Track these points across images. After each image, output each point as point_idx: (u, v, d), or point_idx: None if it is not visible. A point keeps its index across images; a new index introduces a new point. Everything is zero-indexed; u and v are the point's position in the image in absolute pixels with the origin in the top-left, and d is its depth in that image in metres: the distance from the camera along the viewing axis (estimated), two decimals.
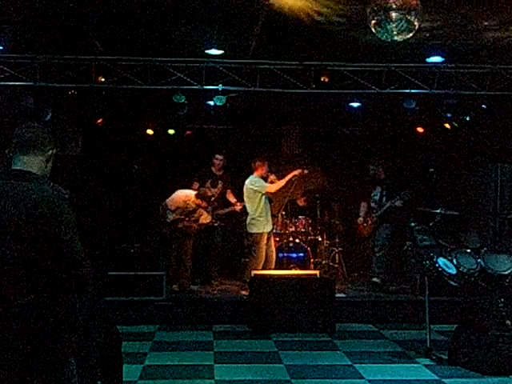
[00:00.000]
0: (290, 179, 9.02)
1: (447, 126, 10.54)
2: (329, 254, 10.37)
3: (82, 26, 7.10)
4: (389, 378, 6.09)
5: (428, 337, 6.75)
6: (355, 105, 10.25)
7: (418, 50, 7.90)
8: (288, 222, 10.03)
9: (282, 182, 8.98)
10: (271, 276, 8.43)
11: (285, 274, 8.66)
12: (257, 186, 8.95)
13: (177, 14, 6.77)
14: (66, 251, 2.61)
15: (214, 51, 8.25)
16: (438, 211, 7.41)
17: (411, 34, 5.26)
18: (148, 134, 11.37)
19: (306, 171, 9.06)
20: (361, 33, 7.07)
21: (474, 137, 10.23)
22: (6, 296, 2.55)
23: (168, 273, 8.73)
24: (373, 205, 9.66)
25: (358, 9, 6.18)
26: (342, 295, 8.74)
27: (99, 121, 10.71)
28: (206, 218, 9.13)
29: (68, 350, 2.67)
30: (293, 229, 10.06)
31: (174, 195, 9.08)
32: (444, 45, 7.76)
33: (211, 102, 9.42)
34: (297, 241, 9.90)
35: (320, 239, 10.37)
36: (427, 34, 7.10)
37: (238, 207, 9.53)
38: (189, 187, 9.39)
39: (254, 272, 8.40)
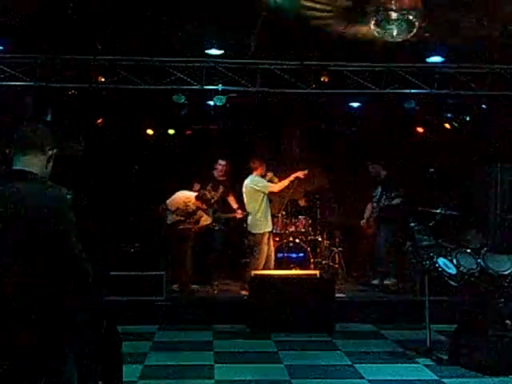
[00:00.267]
0: (293, 180, 9.03)
1: (447, 125, 10.53)
2: (329, 253, 10.37)
3: (82, 26, 7.10)
4: (389, 378, 6.09)
5: (428, 337, 6.75)
6: (355, 105, 10.24)
7: (418, 50, 7.89)
8: (288, 222, 10.03)
9: (286, 183, 9.00)
10: (271, 276, 8.43)
11: (285, 274, 8.66)
12: (260, 185, 8.96)
13: (177, 14, 6.77)
14: (65, 251, 2.61)
15: (213, 51, 8.25)
16: (438, 211, 7.41)
17: (411, 34, 5.27)
18: (148, 134, 11.36)
19: (306, 171, 9.06)
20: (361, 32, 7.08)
21: (474, 137, 10.22)
22: (6, 296, 2.55)
23: (168, 273, 8.73)
24: (374, 205, 9.67)
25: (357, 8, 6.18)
26: (342, 295, 8.74)
27: (99, 121, 10.70)
28: (206, 220, 9.13)
29: (68, 350, 2.67)
30: (293, 229, 10.06)
31: (174, 196, 9.07)
32: (444, 45, 7.76)
33: (211, 102, 9.41)
34: (297, 241, 9.91)
35: (320, 239, 10.37)
36: (427, 34, 7.10)
37: (239, 215, 9.52)
38: (189, 188, 9.38)
39: (253, 272, 8.40)
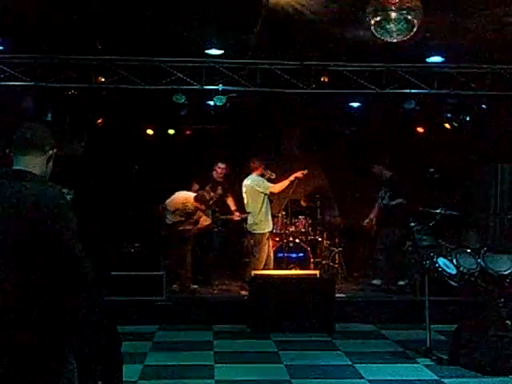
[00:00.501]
0: (292, 180, 9.04)
1: (447, 125, 10.54)
2: (329, 253, 10.37)
3: (82, 26, 7.10)
4: (389, 378, 6.09)
5: (428, 337, 6.74)
6: (355, 105, 10.25)
7: (418, 50, 7.89)
8: (288, 222, 10.03)
9: (286, 183, 9.01)
10: (271, 276, 8.43)
11: (285, 274, 8.66)
12: (261, 186, 8.97)
13: (177, 14, 6.77)
14: (65, 251, 2.61)
15: (213, 51, 8.25)
16: (438, 211, 7.41)
17: (411, 34, 5.27)
18: (148, 134, 11.36)
19: (305, 171, 9.06)
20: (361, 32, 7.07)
21: (474, 137, 10.23)
22: (7, 296, 2.55)
23: (168, 273, 8.73)
24: (379, 204, 9.66)
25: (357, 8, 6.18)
26: (342, 295, 8.74)
27: (99, 121, 10.70)
28: (205, 221, 9.13)
29: (68, 350, 2.67)
30: (293, 229, 10.06)
31: (173, 196, 9.07)
32: (444, 45, 7.76)
33: (211, 102, 9.42)
34: (297, 241, 9.90)
35: (320, 239, 10.37)
36: (427, 34, 7.10)
37: (237, 217, 9.52)
38: (188, 188, 9.38)
39: (253, 272, 8.40)
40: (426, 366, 6.45)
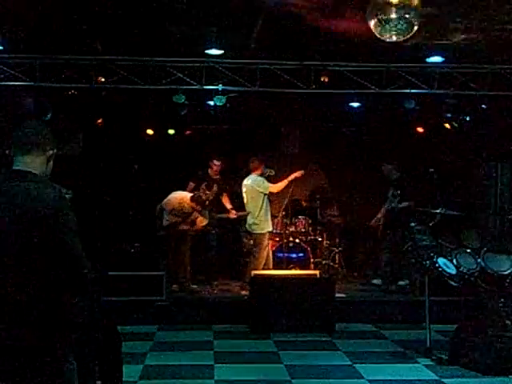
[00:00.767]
0: (291, 181, 9.04)
1: (447, 125, 10.53)
2: (329, 253, 10.37)
3: (82, 26, 7.09)
4: (389, 378, 6.09)
5: (428, 337, 6.75)
6: (355, 105, 10.24)
7: (418, 50, 7.89)
8: (288, 222, 10.04)
9: (285, 183, 9.03)
10: (271, 276, 8.44)
11: (285, 274, 8.66)
12: (261, 186, 8.99)
13: (177, 14, 6.77)
14: (66, 251, 2.61)
15: (214, 51, 8.25)
16: (438, 211, 7.41)
17: (411, 34, 5.27)
18: (148, 134, 11.36)
19: (302, 171, 9.08)
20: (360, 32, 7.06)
21: (474, 137, 10.22)
22: (6, 296, 2.55)
23: (167, 273, 8.73)
24: (387, 206, 9.66)
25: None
26: (342, 295, 8.74)
27: (99, 121, 10.70)
28: (202, 221, 9.14)
29: (68, 350, 2.67)
30: (293, 229, 10.06)
31: (169, 196, 9.09)
32: (444, 45, 7.76)
33: (211, 102, 9.41)
34: (297, 241, 9.90)
35: (320, 239, 10.36)
36: (427, 34, 7.10)
37: (233, 215, 9.53)
38: (184, 187, 9.39)
39: (253, 272, 8.40)
40: (426, 366, 6.46)
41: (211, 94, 9.05)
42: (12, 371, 2.55)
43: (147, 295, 8.26)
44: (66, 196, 2.73)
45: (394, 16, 5.05)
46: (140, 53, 8.22)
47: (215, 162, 9.60)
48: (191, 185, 9.50)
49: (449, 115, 10.19)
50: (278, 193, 9.38)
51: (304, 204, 10.74)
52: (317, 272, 8.71)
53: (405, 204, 9.23)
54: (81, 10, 6.53)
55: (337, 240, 10.52)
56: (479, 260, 6.58)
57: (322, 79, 8.62)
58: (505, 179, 9.09)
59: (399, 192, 9.34)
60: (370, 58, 8.30)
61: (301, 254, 9.79)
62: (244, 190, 9.20)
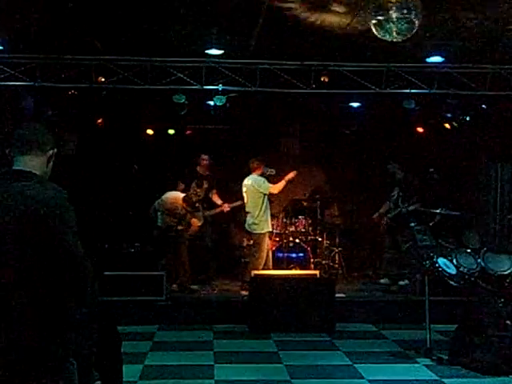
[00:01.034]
0: (288, 181, 9.07)
1: (447, 125, 10.53)
2: (329, 253, 10.37)
3: (82, 26, 7.09)
4: (389, 378, 6.09)
5: (428, 337, 6.74)
6: (355, 105, 10.24)
7: (418, 50, 7.89)
8: (288, 222, 10.04)
9: (283, 184, 9.05)
10: (271, 276, 8.43)
11: (285, 274, 8.66)
12: (261, 186, 9.00)
13: (177, 14, 6.77)
14: (66, 251, 2.61)
15: (214, 51, 8.25)
16: (438, 211, 7.41)
17: (411, 34, 5.27)
18: (148, 134, 11.36)
19: (295, 172, 9.12)
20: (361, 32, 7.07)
21: (474, 137, 10.23)
22: (6, 296, 2.55)
23: (167, 273, 8.73)
24: (390, 205, 9.66)
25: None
26: (342, 295, 8.74)
27: (99, 121, 10.70)
28: (197, 222, 9.14)
29: (68, 350, 2.67)
30: (293, 229, 10.06)
31: (163, 197, 9.12)
32: (444, 45, 7.76)
33: (211, 102, 9.42)
34: (297, 241, 9.91)
35: (320, 239, 10.36)
36: (427, 34, 7.10)
37: (226, 208, 9.57)
38: (175, 188, 9.41)
39: (254, 272, 8.40)
40: (426, 366, 6.45)
41: (211, 94, 9.05)
42: (12, 371, 2.55)
43: (147, 295, 8.26)
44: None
45: (394, 16, 5.05)
46: (140, 53, 8.22)
47: (203, 156, 9.65)
48: (181, 185, 9.51)
49: (449, 115, 10.20)
50: (277, 193, 9.39)
51: (304, 204, 10.75)
52: (317, 272, 8.71)
53: (413, 207, 9.24)
54: (81, 10, 6.52)
55: (337, 240, 10.52)
56: (479, 260, 6.58)
57: (322, 79, 8.61)
58: (505, 179, 9.09)
59: (403, 195, 9.36)
60: (370, 58, 8.30)
61: (301, 254, 9.79)
62: (244, 189, 9.21)
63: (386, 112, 10.41)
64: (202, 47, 8.08)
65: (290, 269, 9.44)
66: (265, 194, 9.03)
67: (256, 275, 8.28)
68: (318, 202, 10.54)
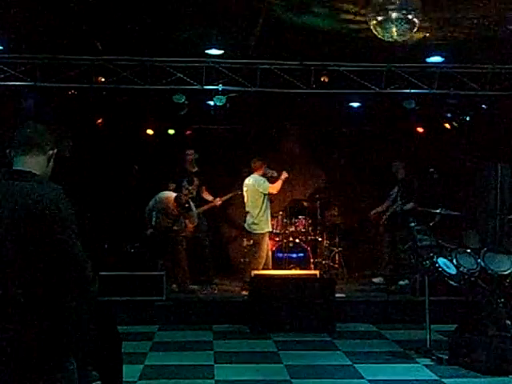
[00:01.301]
0: (284, 180, 9.11)
1: (447, 125, 10.53)
2: (329, 253, 10.37)
3: (82, 26, 7.09)
4: (389, 378, 6.09)
5: (428, 337, 6.74)
6: (355, 105, 10.24)
7: (418, 50, 7.89)
8: (288, 222, 10.04)
9: (280, 183, 9.10)
10: (271, 276, 8.44)
11: (285, 274, 8.67)
12: (262, 186, 9.01)
13: (177, 14, 6.77)
14: (66, 251, 2.61)
15: (214, 51, 8.25)
16: (438, 211, 7.41)
17: (411, 34, 5.27)
18: (148, 134, 11.36)
19: (286, 174, 9.15)
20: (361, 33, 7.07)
21: (474, 137, 10.22)
22: (7, 296, 2.55)
23: (166, 273, 8.73)
24: (389, 204, 9.68)
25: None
26: (342, 295, 8.74)
27: (99, 121, 10.69)
28: (192, 222, 9.14)
29: (68, 349, 2.67)
30: (293, 229, 10.06)
31: (155, 197, 9.13)
32: (444, 45, 7.76)
33: (211, 102, 9.42)
34: (297, 241, 9.91)
35: (320, 239, 10.36)
36: (427, 34, 7.10)
37: (218, 202, 9.62)
38: (166, 188, 9.43)
39: (254, 272, 8.41)
40: (426, 366, 6.45)
41: (211, 94, 9.05)
42: (12, 371, 2.55)
43: (147, 295, 8.26)
44: None
45: (394, 16, 5.05)
46: (140, 53, 8.22)
47: (188, 151, 9.69)
48: (172, 185, 9.53)
49: (449, 115, 10.20)
50: (277, 193, 9.39)
51: (304, 204, 10.75)
52: (317, 272, 8.71)
53: (409, 206, 9.26)
54: (81, 10, 6.52)
55: (337, 240, 10.52)
56: (479, 260, 6.58)
57: (322, 79, 8.62)
58: (505, 179, 9.08)
59: (403, 194, 9.38)
60: (370, 58, 8.30)
61: (301, 254, 9.79)
62: (245, 189, 9.22)
63: (386, 112, 10.41)
64: (202, 47, 8.08)
65: (290, 269, 9.44)
66: (265, 194, 9.04)
67: (256, 275, 8.28)
68: (318, 202, 10.54)
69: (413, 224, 7.19)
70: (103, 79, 8.61)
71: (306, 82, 8.60)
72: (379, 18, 5.08)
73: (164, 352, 6.99)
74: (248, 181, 9.18)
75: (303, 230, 10.14)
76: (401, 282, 9.32)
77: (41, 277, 2.57)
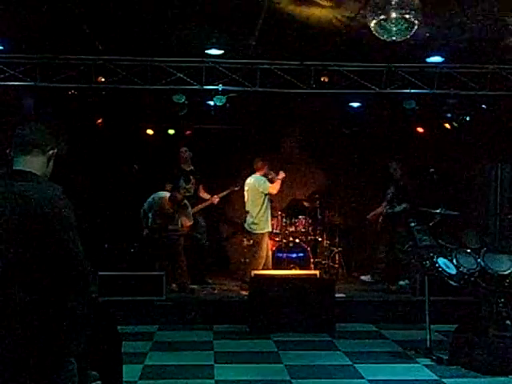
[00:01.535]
0: (282, 180, 9.15)
1: (447, 125, 10.53)
2: (329, 254, 10.37)
3: (82, 26, 7.09)
4: (389, 378, 6.09)
5: (428, 337, 6.75)
6: (355, 105, 10.24)
7: (417, 50, 7.89)
8: (288, 222, 10.04)
9: (279, 183, 9.14)
10: (271, 276, 8.44)
11: (285, 274, 8.66)
12: (262, 186, 9.03)
13: (177, 14, 6.77)
14: (66, 251, 2.61)
15: (214, 51, 8.24)
16: (438, 211, 7.40)
17: (411, 34, 5.27)
18: (148, 134, 11.36)
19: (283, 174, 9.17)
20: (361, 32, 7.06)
21: (474, 137, 10.22)
22: (7, 296, 2.55)
23: (165, 273, 8.73)
24: (384, 203, 9.70)
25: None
26: (342, 295, 8.74)
27: (99, 121, 10.69)
28: (188, 221, 9.15)
29: (68, 349, 2.67)
30: (293, 229, 10.06)
31: (151, 198, 9.13)
32: (444, 45, 7.76)
33: (211, 102, 9.41)
34: (297, 241, 9.91)
35: (320, 239, 10.37)
36: (427, 34, 7.10)
37: (216, 199, 9.62)
38: (163, 188, 9.43)
39: (254, 272, 8.41)
40: (426, 366, 6.46)
41: (211, 94, 9.05)
42: (12, 371, 2.55)
43: (147, 295, 8.26)
44: None
45: (394, 16, 5.05)
46: (140, 53, 8.22)
47: (182, 149, 9.71)
48: (168, 185, 9.53)
49: (449, 115, 10.19)
50: (278, 193, 9.40)
51: (304, 204, 10.75)
52: (317, 272, 8.71)
53: (400, 208, 9.31)
54: (81, 10, 6.52)
55: (337, 240, 10.52)
56: (479, 260, 6.58)
57: (322, 79, 8.61)
58: (505, 179, 9.08)
59: (397, 195, 9.40)
60: (370, 58, 8.30)
61: (301, 254, 9.80)
62: (246, 188, 9.24)
63: (386, 112, 10.41)
64: (202, 47, 8.08)
65: (290, 269, 9.44)
66: (265, 194, 9.05)
67: (256, 275, 8.28)
68: (318, 202, 10.54)
69: (413, 224, 7.19)
70: (103, 79, 8.60)
71: (306, 82, 8.60)
72: (379, 18, 5.07)
73: (164, 352, 6.99)
74: (249, 180, 9.20)
75: (303, 230, 10.14)
76: (401, 282, 9.33)
77: (41, 277, 2.58)
